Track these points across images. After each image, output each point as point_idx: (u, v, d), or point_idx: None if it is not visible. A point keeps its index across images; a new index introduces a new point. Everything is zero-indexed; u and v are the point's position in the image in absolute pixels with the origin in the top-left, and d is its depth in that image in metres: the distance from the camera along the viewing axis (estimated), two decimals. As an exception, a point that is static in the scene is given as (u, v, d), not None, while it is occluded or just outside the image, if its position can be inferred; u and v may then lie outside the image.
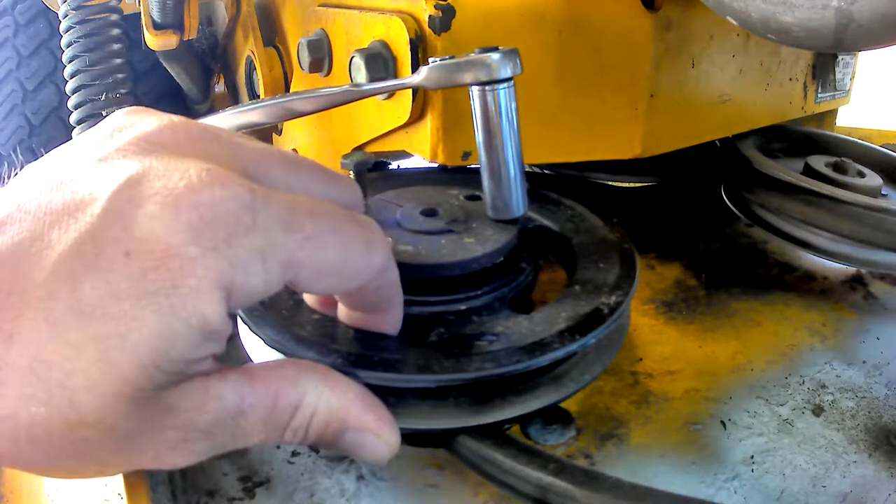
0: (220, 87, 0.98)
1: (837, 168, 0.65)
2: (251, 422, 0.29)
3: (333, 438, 0.32)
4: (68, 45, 0.70)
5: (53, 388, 0.24)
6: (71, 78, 0.70)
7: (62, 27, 0.70)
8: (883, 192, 0.65)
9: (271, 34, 0.72)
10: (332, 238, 0.29)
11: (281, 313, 0.38)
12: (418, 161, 0.54)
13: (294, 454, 0.42)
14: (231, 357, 0.50)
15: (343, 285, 0.31)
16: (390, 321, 0.36)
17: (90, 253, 0.25)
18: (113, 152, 0.28)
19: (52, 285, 0.25)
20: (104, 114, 0.68)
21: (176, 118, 0.30)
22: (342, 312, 0.37)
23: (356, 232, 0.30)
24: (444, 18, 0.47)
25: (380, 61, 0.49)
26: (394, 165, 0.70)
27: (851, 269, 0.65)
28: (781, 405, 0.47)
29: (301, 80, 0.66)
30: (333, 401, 0.31)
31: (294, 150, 0.67)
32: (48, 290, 0.24)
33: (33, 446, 0.25)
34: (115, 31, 0.72)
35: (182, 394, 0.27)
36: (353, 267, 0.30)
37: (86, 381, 0.24)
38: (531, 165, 0.70)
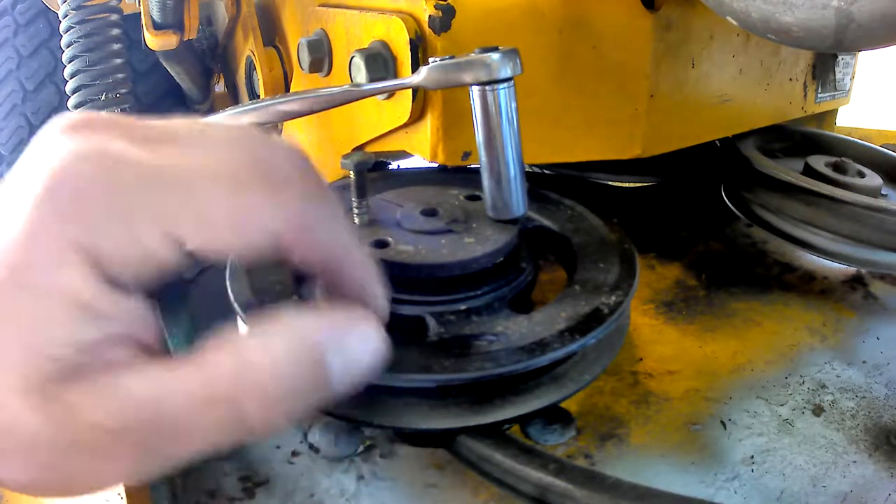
0: (220, 87, 0.98)
1: (837, 168, 0.65)
2: (176, 412, 0.25)
3: (313, 380, 0.27)
4: (68, 45, 0.70)
5: None
6: (71, 78, 0.70)
7: (62, 27, 0.70)
8: (883, 192, 0.65)
9: (271, 34, 0.72)
10: (209, 180, 0.25)
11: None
12: (418, 161, 0.54)
13: (294, 454, 0.42)
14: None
15: (248, 243, 0.26)
16: (369, 305, 0.30)
17: None
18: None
19: None
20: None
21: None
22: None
23: (244, 178, 0.26)
24: (444, 18, 0.47)
25: (380, 61, 0.49)
26: (394, 165, 0.70)
27: (851, 269, 0.65)
28: (781, 405, 0.47)
29: (301, 80, 0.66)
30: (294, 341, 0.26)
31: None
32: None
33: None
34: (115, 31, 0.72)
35: (84, 390, 0.24)
36: (251, 220, 0.26)
37: None
38: (531, 165, 0.70)
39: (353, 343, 0.28)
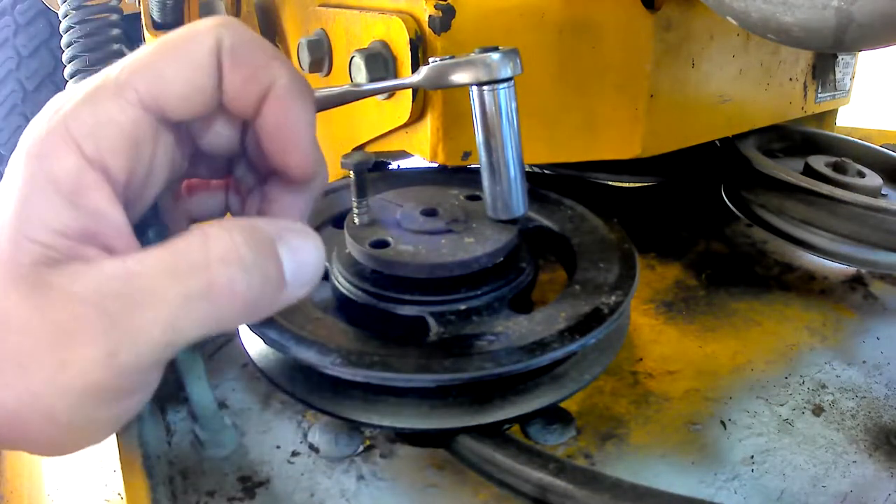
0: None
1: (837, 168, 0.65)
2: (148, 277, 0.27)
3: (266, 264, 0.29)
4: (68, 45, 0.70)
5: None
6: (71, 78, 0.70)
7: (62, 27, 0.70)
8: (883, 192, 0.65)
9: (271, 34, 0.72)
10: (150, 48, 0.30)
11: (281, 313, 0.38)
12: (418, 161, 0.54)
13: (294, 454, 0.42)
14: (231, 357, 0.50)
15: (194, 68, 0.30)
16: (297, 164, 0.33)
17: None
18: None
19: None
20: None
21: None
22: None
23: (174, 32, 0.30)
24: (444, 18, 0.47)
25: (380, 61, 0.49)
26: (394, 165, 0.70)
27: (851, 269, 0.65)
28: (781, 405, 0.47)
29: (301, 80, 0.66)
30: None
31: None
32: None
33: None
34: (115, 31, 0.72)
35: (61, 271, 0.27)
36: (186, 45, 0.29)
37: None
38: (531, 165, 0.70)
39: (301, 244, 0.31)
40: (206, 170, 0.37)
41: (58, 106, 0.29)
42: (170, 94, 0.30)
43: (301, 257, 0.30)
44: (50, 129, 0.28)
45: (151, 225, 0.34)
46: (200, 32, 0.30)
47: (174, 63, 0.30)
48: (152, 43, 0.30)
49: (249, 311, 0.29)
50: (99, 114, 0.29)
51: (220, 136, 0.34)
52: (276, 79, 0.31)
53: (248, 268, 0.28)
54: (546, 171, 0.74)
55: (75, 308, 0.26)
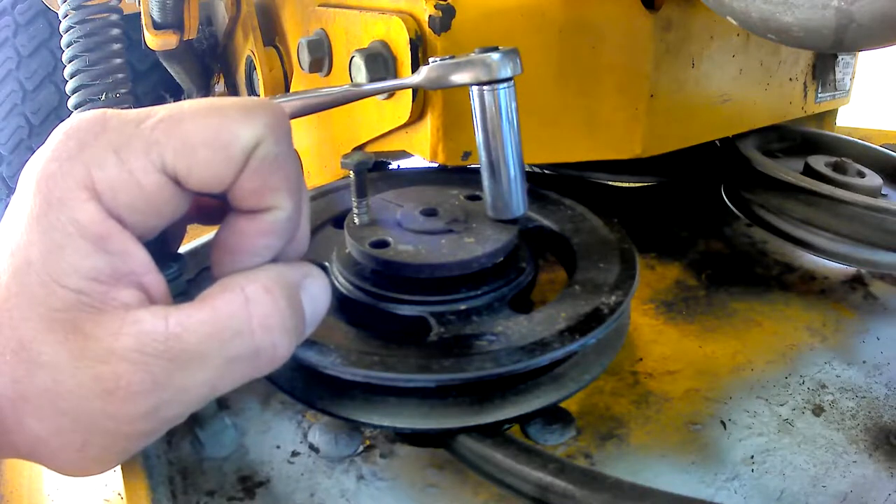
0: (220, 87, 0.98)
1: (837, 168, 0.65)
2: (192, 342, 0.27)
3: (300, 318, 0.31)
4: (68, 45, 0.70)
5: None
6: (71, 78, 0.70)
7: (62, 27, 0.70)
8: (883, 192, 0.65)
9: (271, 34, 0.72)
10: (192, 113, 0.29)
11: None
12: (418, 161, 0.54)
13: (294, 454, 0.42)
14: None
15: (223, 158, 0.28)
16: (275, 224, 0.31)
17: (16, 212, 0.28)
18: None
19: None
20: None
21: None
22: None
23: (224, 105, 0.29)
24: (444, 18, 0.47)
25: (380, 61, 0.49)
26: (394, 165, 0.70)
27: (851, 269, 0.65)
28: (781, 405, 0.47)
29: (301, 80, 0.66)
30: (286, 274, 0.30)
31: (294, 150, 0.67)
32: None
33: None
34: (115, 31, 0.72)
35: (100, 321, 0.27)
36: (227, 132, 0.28)
37: (7, 304, 0.27)
38: (531, 165, 0.70)
39: (319, 292, 0.32)
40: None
41: (80, 141, 0.28)
42: (191, 173, 0.29)
43: (317, 304, 0.32)
44: (71, 170, 0.27)
45: (164, 255, 0.34)
46: (244, 125, 0.29)
47: (209, 147, 0.28)
48: (195, 106, 0.29)
49: (285, 355, 0.31)
50: (123, 172, 0.28)
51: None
52: (274, 209, 0.30)
53: (289, 332, 0.30)
54: (546, 171, 0.74)
55: (118, 365, 0.27)
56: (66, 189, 0.27)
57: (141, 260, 0.29)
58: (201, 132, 0.28)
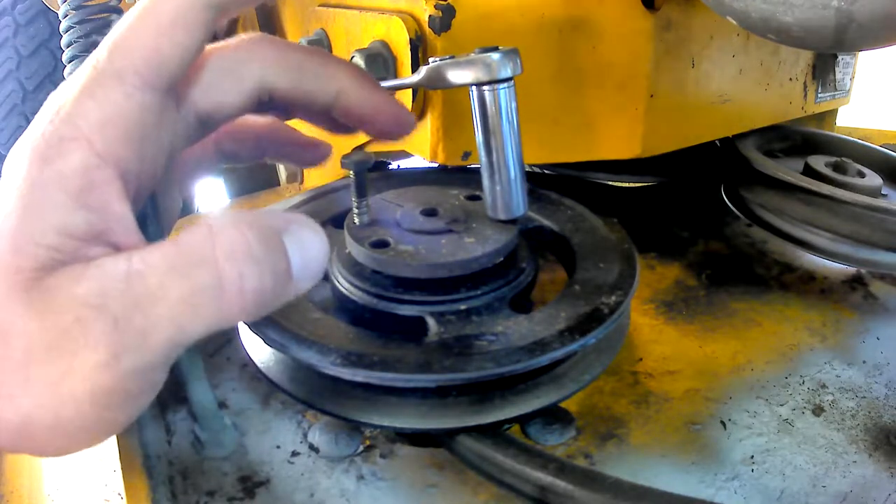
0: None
1: (837, 168, 0.65)
2: (154, 280, 0.26)
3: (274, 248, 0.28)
4: (68, 45, 0.70)
5: None
6: (71, 78, 0.70)
7: (62, 27, 0.70)
8: (883, 192, 0.65)
9: (271, 33, 0.72)
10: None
11: (281, 313, 0.38)
12: (418, 161, 0.54)
13: (294, 454, 0.42)
14: (231, 357, 0.50)
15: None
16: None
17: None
18: None
19: None
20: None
21: None
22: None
23: None
24: (444, 18, 0.47)
25: (380, 61, 0.49)
26: (394, 165, 0.70)
27: (851, 269, 0.65)
28: (781, 405, 0.47)
29: (301, 80, 0.66)
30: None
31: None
32: None
33: None
34: (115, 31, 0.72)
35: (62, 272, 0.26)
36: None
37: None
38: (531, 165, 0.70)
39: (308, 237, 0.29)
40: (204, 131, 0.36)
41: (59, 103, 0.28)
42: (171, 64, 0.29)
43: (307, 251, 0.29)
44: (56, 127, 0.27)
45: (150, 217, 0.33)
46: None
47: (166, 34, 0.29)
48: (131, 14, 0.29)
49: (256, 307, 0.28)
50: (105, 106, 0.28)
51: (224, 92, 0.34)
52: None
53: (258, 262, 0.27)
54: (546, 171, 0.74)
55: (78, 311, 0.25)
56: (52, 144, 0.27)
57: (120, 217, 0.28)
58: (147, 27, 0.29)
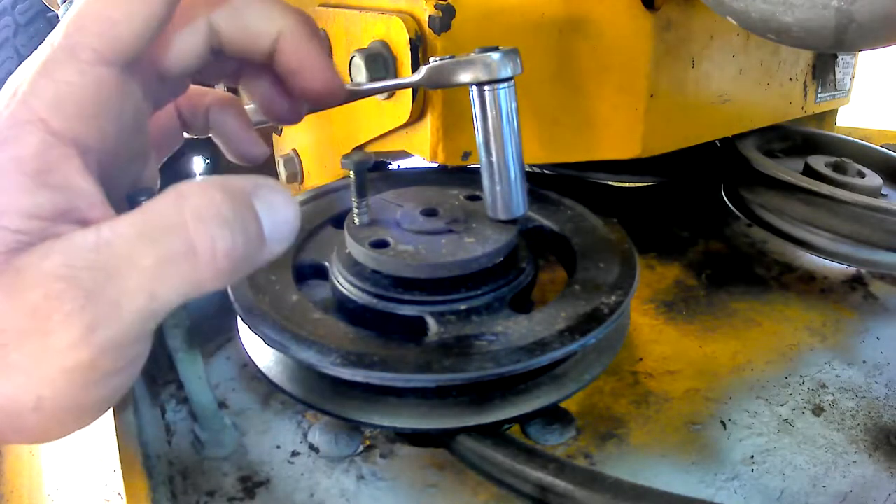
0: (219, 87, 0.98)
1: (837, 168, 0.65)
2: (123, 249, 0.25)
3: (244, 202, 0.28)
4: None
5: None
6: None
7: (62, 27, 0.70)
8: (883, 192, 0.65)
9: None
10: None
11: (281, 313, 0.38)
12: (418, 161, 0.54)
13: (294, 454, 0.42)
14: (231, 357, 0.50)
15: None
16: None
17: None
18: None
19: None
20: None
21: None
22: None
23: None
24: (444, 18, 0.47)
25: (380, 61, 0.49)
26: (394, 165, 0.70)
27: (851, 269, 0.65)
28: (781, 405, 0.47)
29: (301, 80, 0.66)
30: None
31: (294, 150, 0.67)
32: None
33: None
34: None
35: (30, 251, 0.25)
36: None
37: None
38: (531, 165, 0.70)
39: (277, 199, 0.29)
40: (170, 93, 0.37)
41: (16, 85, 0.28)
42: (128, 37, 0.29)
43: (277, 212, 0.29)
44: (12, 110, 0.27)
45: (143, 191, 0.33)
46: None
47: (121, 7, 0.29)
48: None
49: (231, 270, 0.27)
50: (58, 83, 0.27)
51: (183, 55, 0.34)
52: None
53: (228, 224, 0.27)
54: (546, 171, 0.74)
55: (48, 286, 0.24)
56: (6, 127, 0.27)
57: (84, 192, 0.27)
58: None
